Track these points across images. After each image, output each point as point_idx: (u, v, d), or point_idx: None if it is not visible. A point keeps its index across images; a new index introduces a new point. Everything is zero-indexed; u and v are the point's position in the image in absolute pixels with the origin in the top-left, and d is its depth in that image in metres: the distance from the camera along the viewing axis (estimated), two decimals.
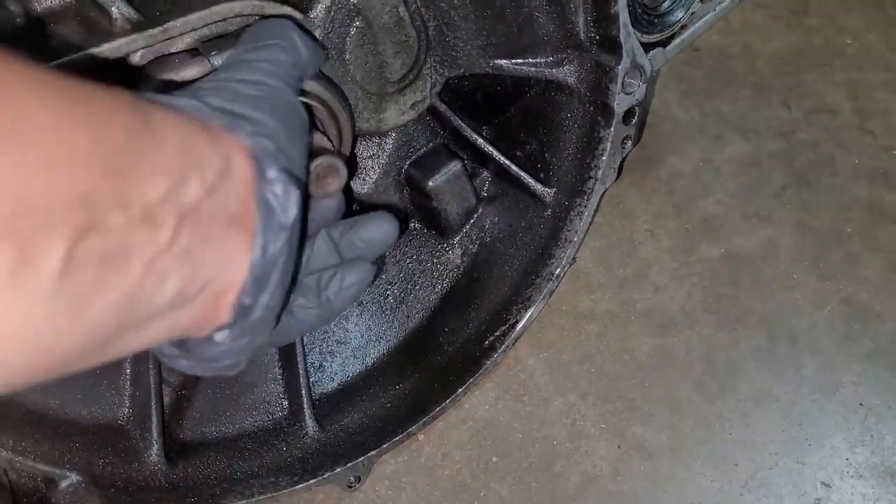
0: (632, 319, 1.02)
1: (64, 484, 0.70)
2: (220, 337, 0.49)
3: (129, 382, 0.82)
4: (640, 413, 0.95)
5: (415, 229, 1.02)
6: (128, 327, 0.42)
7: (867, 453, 0.92)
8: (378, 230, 0.67)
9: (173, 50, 0.68)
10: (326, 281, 0.64)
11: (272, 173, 0.49)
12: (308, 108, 0.70)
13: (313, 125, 0.69)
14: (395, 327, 1.00)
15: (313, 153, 0.67)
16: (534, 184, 0.95)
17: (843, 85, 1.24)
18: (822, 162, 1.17)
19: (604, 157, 0.90)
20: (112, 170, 0.37)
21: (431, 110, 0.92)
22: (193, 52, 0.66)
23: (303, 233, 0.63)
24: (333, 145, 0.72)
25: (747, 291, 1.05)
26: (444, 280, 1.02)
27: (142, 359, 0.82)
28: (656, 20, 0.89)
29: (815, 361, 0.99)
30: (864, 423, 0.94)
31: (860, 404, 0.96)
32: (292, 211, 0.50)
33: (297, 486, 0.83)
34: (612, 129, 0.88)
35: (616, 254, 1.07)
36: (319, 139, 0.68)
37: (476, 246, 1.03)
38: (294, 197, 0.50)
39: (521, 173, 0.96)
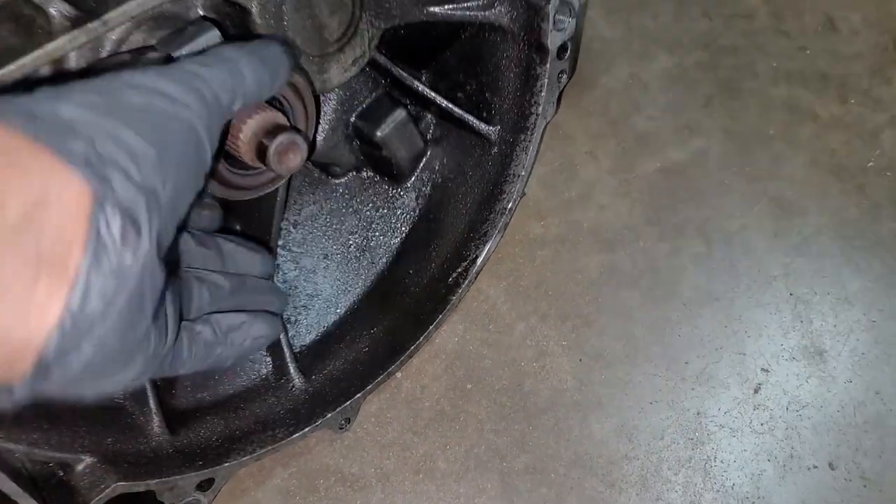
0: (580, 240, 1.09)
1: (80, 466, 0.74)
2: (17, 390, 0.42)
3: None
4: (595, 327, 1.03)
5: (368, 178, 1.06)
6: None
7: (798, 337, 1.03)
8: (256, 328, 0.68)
9: (111, 48, 0.69)
10: (235, 326, 0.65)
11: (110, 209, 0.41)
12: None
13: (270, 104, 0.71)
14: (362, 275, 1.05)
15: (270, 129, 0.70)
16: (477, 123, 0.99)
17: None
18: (743, 68, 1.23)
19: (542, 93, 0.94)
20: None
21: (371, 63, 0.94)
22: (145, 50, 0.67)
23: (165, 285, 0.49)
24: (289, 120, 0.75)
25: (683, 201, 1.12)
26: (402, 224, 1.07)
27: None
28: None
29: (749, 259, 1.08)
30: (794, 311, 1.04)
31: (790, 294, 1.06)
32: (127, 258, 0.41)
33: (294, 436, 0.89)
34: (547, 65, 0.92)
35: (560, 179, 1.13)
36: (274, 116, 0.71)
37: (429, 188, 1.07)
38: (132, 242, 0.42)
39: (464, 114, 0.99)
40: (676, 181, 1.14)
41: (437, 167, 1.07)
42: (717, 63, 1.23)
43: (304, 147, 0.71)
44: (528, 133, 0.97)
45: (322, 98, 0.98)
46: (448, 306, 0.99)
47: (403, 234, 1.07)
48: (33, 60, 0.66)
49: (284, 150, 0.69)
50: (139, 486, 0.76)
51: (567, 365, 1.01)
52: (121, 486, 0.74)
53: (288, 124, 0.72)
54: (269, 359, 0.96)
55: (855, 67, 1.22)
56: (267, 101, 0.74)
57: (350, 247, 1.06)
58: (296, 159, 0.71)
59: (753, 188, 1.13)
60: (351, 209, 1.05)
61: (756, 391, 0.99)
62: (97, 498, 0.72)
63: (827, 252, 1.08)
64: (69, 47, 0.67)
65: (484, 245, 1.00)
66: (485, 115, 1.00)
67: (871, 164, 1.14)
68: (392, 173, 1.04)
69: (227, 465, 0.84)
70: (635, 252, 1.08)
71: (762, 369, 1.00)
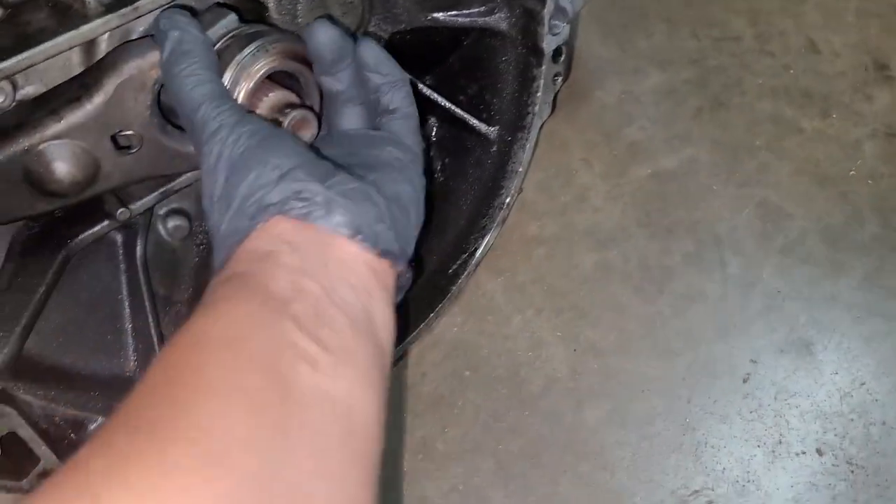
0: (575, 239, 1.13)
1: (92, 427, 0.78)
2: None
3: (131, 338, 0.90)
4: (589, 319, 1.07)
5: None
6: None
7: (786, 331, 1.06)
8: (318, 37, 0.69)
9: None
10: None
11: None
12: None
13: (279, 83, 0.77)
14: None
15: (283, 107, 0.75)
16: (478, 124, 1.05)
17: (743, 13, 1.37)
18: (731, 84, 1.30)
19: (538, 94, 1.00)
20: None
21: None
22: None
23: None
24: (301, 98, 0.80)
25: (674, 204, 1.17)
26: None
27: (141, 315, 0.89)
28: None
29: (738, 259, 1.13)
30: (782, 307, 1.08)
31: (778, 291, 1.10)
32: None
33: None
34: (543, 67, 0.98)
35: (556, 183, 1.19)
36: (286, 95, 0.76)
37: (431, 186, 1.12)
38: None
39: (465, 115, 1.05)
40: (667, 186, 1.19)
41: (439, 167, 1.12)
42: (706, 79, 1.30)
43: (314, 122, 0.76)
44: (526, 132, 1.03)
45: None
46: (447, 296, 1.03)
47: None
48: (68, 40, 0.72)
49: (298, 125, 0.75)
50: None
51: (561, 355, 1.04)
52: None
53: (298, 101, 0.77)
54: None
55: (837, 85, 1.28)
56: (283, 82, 0.79)
57: None
58: (307, 133, 0.76)
59: (741, 193, 1.18)
60: None
61: (745, 381, 1.02)
62: None
63: (812, 254, 1.13)
64: (101, 30, 0.73)
65: (483, 238, 1.05)
66: (484, 115, 1.06)
67: (852, 173, 1.19)
68: None
69: None
70: (627, 250, 1.13)
71: (751, 360, 1.04)
